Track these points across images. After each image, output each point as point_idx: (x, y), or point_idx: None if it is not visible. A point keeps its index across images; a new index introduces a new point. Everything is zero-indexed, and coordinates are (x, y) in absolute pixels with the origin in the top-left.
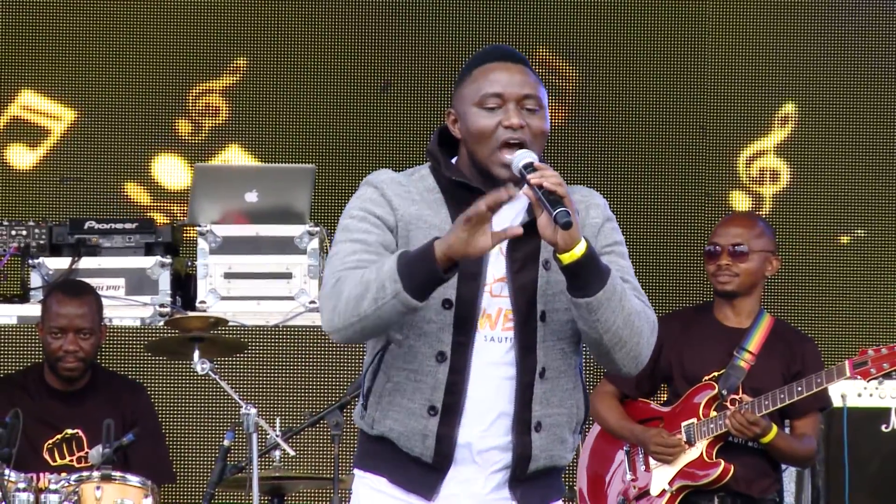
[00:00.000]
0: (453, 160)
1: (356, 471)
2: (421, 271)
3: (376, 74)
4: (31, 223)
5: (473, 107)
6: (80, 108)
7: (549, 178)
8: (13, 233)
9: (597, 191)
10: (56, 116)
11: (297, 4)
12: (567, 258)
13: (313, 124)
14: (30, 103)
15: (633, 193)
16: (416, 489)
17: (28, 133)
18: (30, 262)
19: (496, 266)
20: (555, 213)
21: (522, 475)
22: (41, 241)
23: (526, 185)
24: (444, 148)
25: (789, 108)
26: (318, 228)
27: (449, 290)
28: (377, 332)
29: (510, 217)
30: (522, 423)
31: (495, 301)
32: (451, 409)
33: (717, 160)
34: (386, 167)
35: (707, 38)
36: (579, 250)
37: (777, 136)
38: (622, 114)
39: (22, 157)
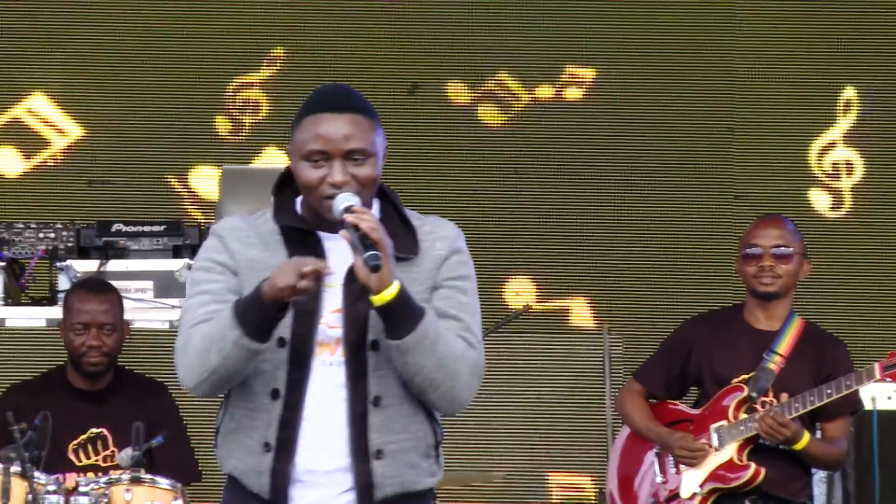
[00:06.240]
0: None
1: None
2: (254, 314)
3: (405, 76)
4: (59, 226)
5: (301, 159)
6: (111, 107)
7: (366, 220)
8: (41, 235)
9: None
10: (87, 115)
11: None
12: (377, 300)
13: None
14: (54, 103)
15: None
16: None
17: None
18: (57, 264)
19: (334, 299)
20: (365, 256)
21: (369, 503)
22: (69, 244)
23: (344, 228)
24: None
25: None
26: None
27: (283, 328)
28: (230, 382)
29: (347, 257)
30: (360, 452)
31: (332, 332)
32: (285, 444)
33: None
34: (413, 169)
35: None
36: (389, 293)
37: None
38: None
39: (52, 159)
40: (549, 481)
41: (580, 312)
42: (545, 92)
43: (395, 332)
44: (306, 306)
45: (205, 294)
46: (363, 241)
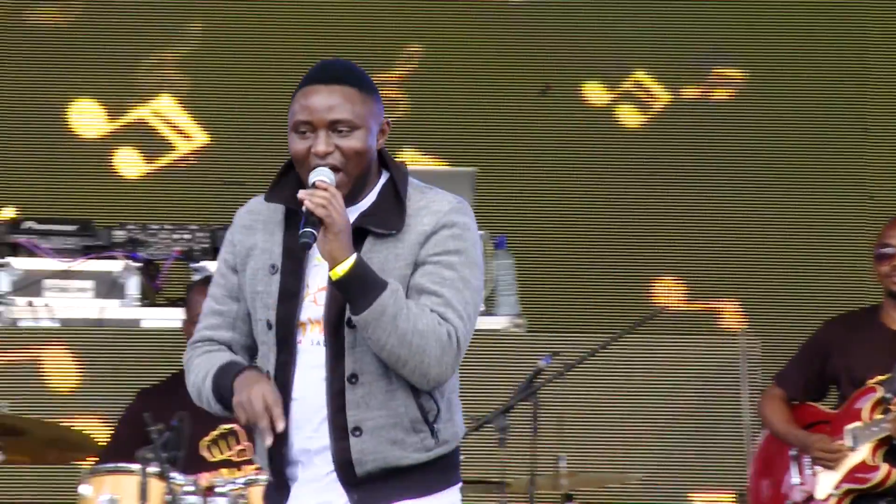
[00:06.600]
0: None
1: None
2: (230, 399)
3: (537, 78)
4: (194, 227)
5: (291, 131)
6: (241, 110)
7: (315, 198)
8: (175, 237)
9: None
10: (214, 119)
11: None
12: (332, 275)
13: (475, 125)
14: (181, 107)
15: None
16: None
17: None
18: (192, 265)
19: (323, 276)
20: (300, 233)
21: (353, 479)
22: (204, 245)
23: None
24: None
25: None
26: (479, 234)
27: (269, 311)
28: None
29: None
30: (338, 429)
31: (320, 309)
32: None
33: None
34: (543, 171)
35: None
36: (342, 269)
37: None
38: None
39: (185, 162)
40: (687, 488)
41: (719, 314)
42: (687, 93)
43: (353, 308)
44: (290, 287)
45: (212, 300)
46: (307, 218)
